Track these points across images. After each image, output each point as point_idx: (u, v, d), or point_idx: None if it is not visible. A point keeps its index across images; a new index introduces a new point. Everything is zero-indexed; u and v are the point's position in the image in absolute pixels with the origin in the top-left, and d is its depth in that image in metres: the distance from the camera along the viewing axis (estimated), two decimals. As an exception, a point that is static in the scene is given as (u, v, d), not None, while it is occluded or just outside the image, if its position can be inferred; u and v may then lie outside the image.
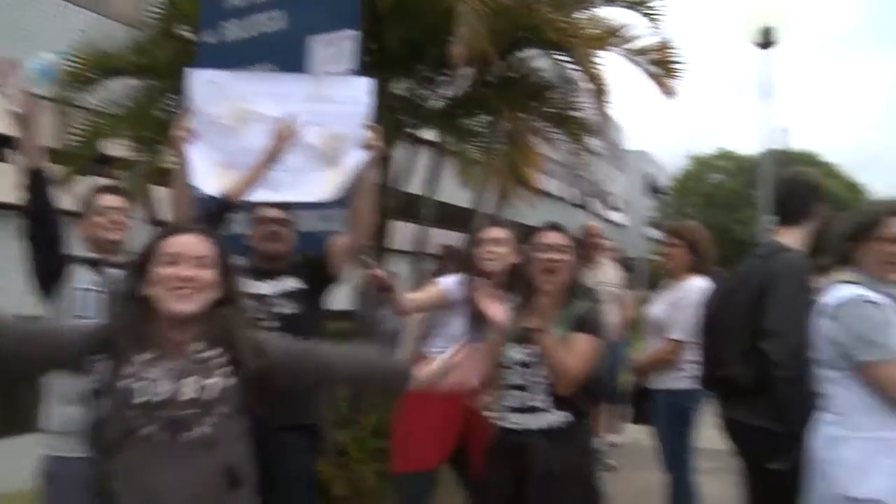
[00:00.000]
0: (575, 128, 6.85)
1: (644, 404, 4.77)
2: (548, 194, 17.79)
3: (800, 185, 3.79)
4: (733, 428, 3.61)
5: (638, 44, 6.16)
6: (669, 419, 4.59)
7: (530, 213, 7.26)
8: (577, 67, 6.22)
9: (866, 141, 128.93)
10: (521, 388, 3.32)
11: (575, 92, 6.60)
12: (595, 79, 6.02)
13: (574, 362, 3.24)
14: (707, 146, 67.08)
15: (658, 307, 4.78)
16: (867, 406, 2.84)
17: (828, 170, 35.33)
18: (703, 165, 42.89)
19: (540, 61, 6.72)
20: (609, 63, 6.22)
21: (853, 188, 36.22)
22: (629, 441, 6.71)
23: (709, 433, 4.33)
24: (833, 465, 2.86)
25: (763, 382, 3.34)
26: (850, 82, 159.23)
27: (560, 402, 3.28)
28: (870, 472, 2.77)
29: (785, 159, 12.97)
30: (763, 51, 12.56)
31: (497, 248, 3.95)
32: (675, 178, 45.09)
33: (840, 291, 2.97)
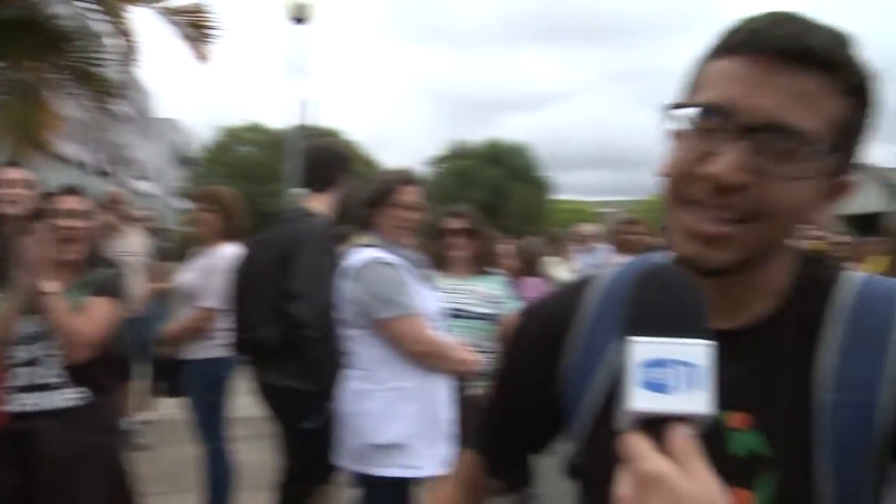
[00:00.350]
0: (99, 86, 6.36)
1: (177, 376, 4.63)
2: (68, 159, 16.42)
3: (327, 155, 3.95)
4: (266, 392, 3.67)
5: (172, 3, 5.91)
6: (202, 389, 4.51)
7: (47, 178, 6.59)
8: (104, 19, 5.78)
9: (384, 123, 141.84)
10: (31, 363, 3.00)
11: (101, 47, 6.13)
12: (125, 34, 5.66)
13: (88, 325, 3.02)
14: (238, 118, 67.55)
15: (188, 275, 4.66)
16: (387, 360, 3.09)
17: (349, 146, 37.73)
18: (233, 137, 43.16)
19: (61, 7, 6.10)
20: (140, 21, 5.90)
21: (369, 164, 39.34)
22: (163, 416, 6.49)
23: (243, 400, 4.37)
24: (359, 416, 3.07)
25: (291, 344, 3.45)
26: (377, 69, 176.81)
27: (77, 378, 3.03)
28: (391, 419, 3.03)
29: (312, 134, 13.55)
30: (296, 27, 12.97)
31: (13, 189, 3.52)
32: (205, 149, 44.73)
33: (360, 255, 3.18)
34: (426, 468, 3.04)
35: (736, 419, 0.95)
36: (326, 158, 3.90)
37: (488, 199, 39.76)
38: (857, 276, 1.02)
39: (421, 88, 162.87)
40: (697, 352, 0.72)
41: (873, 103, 0.94)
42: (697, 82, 0.95)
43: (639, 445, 0.71)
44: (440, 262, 4.10)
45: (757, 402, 0.78)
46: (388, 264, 3.11)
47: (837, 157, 0.91)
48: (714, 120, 0.89)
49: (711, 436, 0.75)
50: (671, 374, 0.71)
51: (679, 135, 0.94)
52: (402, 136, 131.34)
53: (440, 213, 4.30)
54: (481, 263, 4.27)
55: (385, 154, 78.00)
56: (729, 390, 0.83)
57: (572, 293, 1.15)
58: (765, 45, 0.88)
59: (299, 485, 3.71)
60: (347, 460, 3.15)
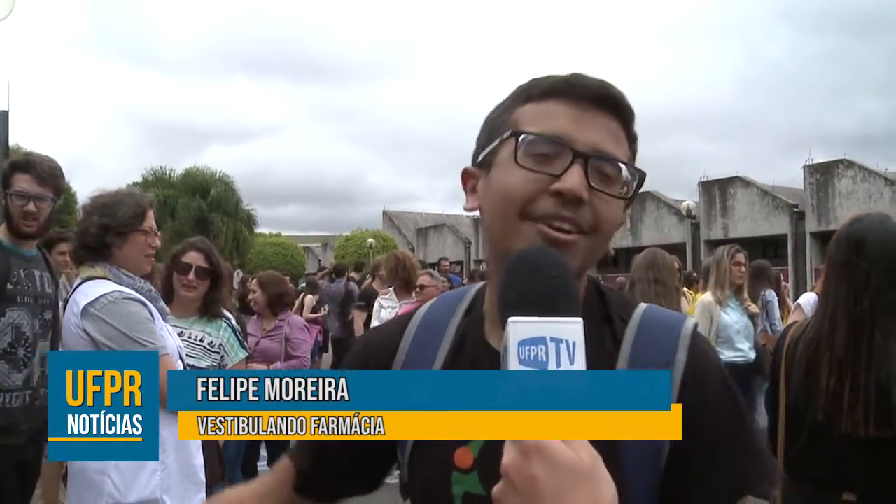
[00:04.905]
0: None
1: None
2: None
3: None
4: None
5: None
6: None
7: None
8: None
9: (81, 144, 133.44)
10: None
11: None
12: None
13: None
14: None
15: None
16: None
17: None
18: None
19: None
20: None
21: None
22: None
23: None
24: (100, 473, 2.67)
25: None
26: (76, 86, 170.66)
27: None
28: (141, 472, 2.68)
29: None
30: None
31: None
32: None
33: (95, 288, 2.79)
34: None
35: None
36: None
37: (192, 230, 38.10)
38: (639, 306, 1.14)
39: (124, 111, 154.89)
40: (571, 329, 0.76)
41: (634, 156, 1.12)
42: (514, 122, 1.08)
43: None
44: (167, 297, 3.78)
45: None
46: (134, 299, 2.79)
47: (633, 189, 1.08)
48: (552, 147, 1.03)
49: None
50: (547, 351, 0.75)
51: (504, 162, 1.06)
52: (100, 160, 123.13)
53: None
54: (209, 305, 3.99)
55: (77, 178, 71.52)
56: None
57: (397, 323, 1.24)
58: (582, 91, 1.05)
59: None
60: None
